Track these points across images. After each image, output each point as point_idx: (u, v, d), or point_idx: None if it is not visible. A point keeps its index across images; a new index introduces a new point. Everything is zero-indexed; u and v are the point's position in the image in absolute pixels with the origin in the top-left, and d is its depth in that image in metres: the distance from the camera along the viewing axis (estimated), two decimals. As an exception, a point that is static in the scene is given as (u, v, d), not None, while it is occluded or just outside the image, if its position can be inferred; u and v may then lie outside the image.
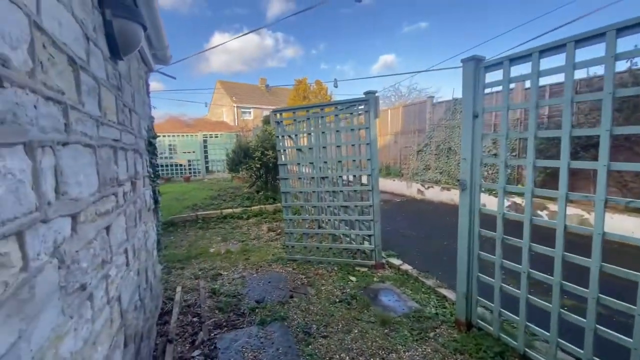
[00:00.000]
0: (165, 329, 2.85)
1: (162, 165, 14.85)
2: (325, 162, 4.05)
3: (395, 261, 4.08)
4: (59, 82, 0.92)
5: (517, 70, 2.17)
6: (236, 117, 33.71)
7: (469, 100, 2.42)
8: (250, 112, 34.83)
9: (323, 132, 3.97)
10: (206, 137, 15.64)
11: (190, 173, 15.20)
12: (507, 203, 6.39)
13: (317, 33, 67.81)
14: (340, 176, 3.98)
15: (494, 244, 2.33)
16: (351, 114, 3.87)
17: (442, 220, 6.50)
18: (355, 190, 3.98)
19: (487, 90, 2.45)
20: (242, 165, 7.28)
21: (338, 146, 3.95)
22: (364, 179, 4.08)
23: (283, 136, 4.16)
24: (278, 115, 4.09)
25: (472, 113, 2.40)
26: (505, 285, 2.30)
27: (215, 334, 2.77)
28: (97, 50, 1.38)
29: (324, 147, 3.99)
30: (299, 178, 4.24)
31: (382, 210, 7.45)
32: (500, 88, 2.24)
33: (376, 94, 3.77)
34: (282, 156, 4.17)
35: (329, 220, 4.13)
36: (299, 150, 4.20)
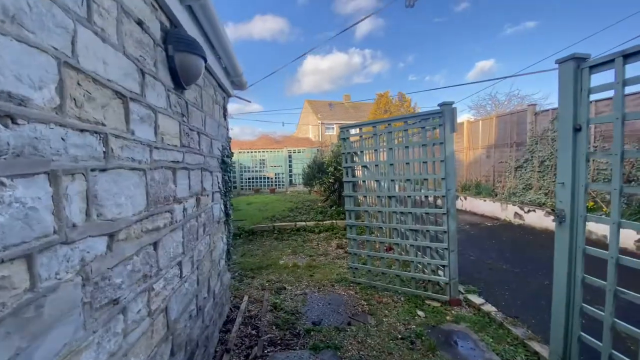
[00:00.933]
0: (227, 338, 2.99)
1: (253, 178, 16.47)
2: (393, 181, 3.78)
3: (476, 299, 3.47)
4: (97, 115, 1.03)
5: (633, 70, 1.61)
6: (320, 133, 35.30)
7: (568, 110, 1.91)
8: (333, 128, 36.04)
9: (390, 149, 3.73)
10: (290, 152, 16.70)
11: (275, 185, 16.40)
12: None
13: (406, 45, 66.54)
14: (408, 196, 3.64)
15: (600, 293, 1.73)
16: (423, 128, 3.53)
17: (544, 252, 5.32)
18: (427, 213, 3.58)
19: (592, 97, 1.89)
20: (316, 180, 7.44)
21: (407, 163, 3.64)
22: (438, 201, 3.65)
23: (349, 153, 4.07)
24: (345, 131, 4.03)
25: (573, 125, 1.88)
26: (617, 353, 1.67)
27: (268, 351, 2.78)
28: (157, 82, 1.55)
29: (391, 165, 3.74)
30: (364, 196, 4.04)
31: (468, 235, 6.62)
32: (610, 93, 1.69)
33: (453, 105, 3.36)
34: (348, 173, 4.06)
35: (397, 244, 3.80)
36: (365, 167, 4.03)
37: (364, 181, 4.08)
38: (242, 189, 16.14)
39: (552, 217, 6.46)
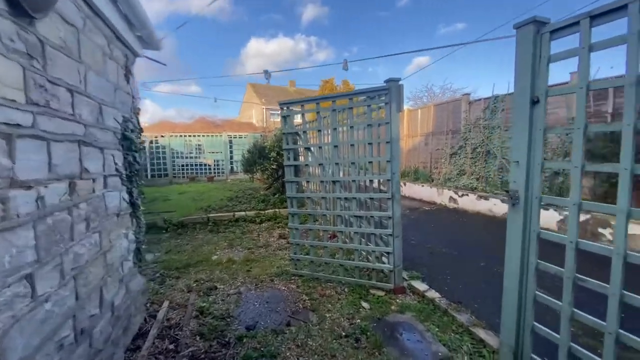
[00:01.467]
0: (134, 357, 2.40)
1: (188, 165, 15.04)
2: (337, 164, 3.46)
3: (420, 285, 3.38)
4: None
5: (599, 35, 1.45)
6: (264, 118, 34.02)
7: (525, 80, 1.72)
8: (278, 114, 34.94)
9: (334, 129, 3.38)
10: (231, 138, 15.61)
11: (215, 173, 15.23)
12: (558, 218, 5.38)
13: (351, 36, 67.20)
14: (353, 180, 3.36)
15: (554, 279, 1.61)
16: (369, 106, 3.24)
17: (479, 235, 5.61)
18: (371, 198, 3.35)
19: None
20: (257, 166, 6.86)
21: (352, 145, 3.33)
22: (383, 186, 3.44)
23: (291, 133, 3.63)
24: (285, 108, 3.57)
25: (530, 97, 1.70)
26: (576, 345, 1.58)
27: (188, 370, 2.28)
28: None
29: (335, 147, 3.40)
30: (307, 182, 3.66)
31: (409, 220, 6.73)
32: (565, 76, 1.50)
33: (400, 82, 3.12)
34: (290, 156, 3.63)
35: (341, 231, 3.52)
36: (308, 149, 3.64)
37: (307, 165, 3.69)
38: (175, 176, 14.67)
39: (483, 201, 6.90)
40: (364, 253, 3.62)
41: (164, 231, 6.02)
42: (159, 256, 4.66)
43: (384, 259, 3.47)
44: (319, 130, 3.52)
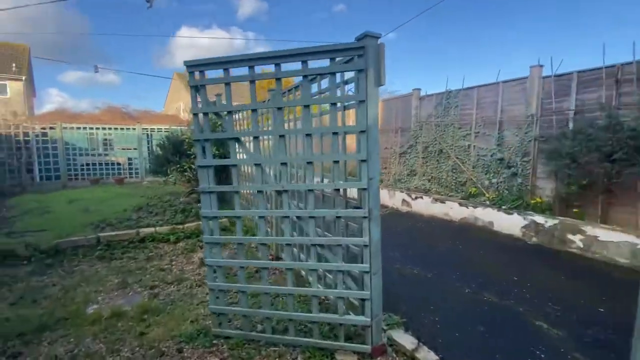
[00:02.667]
0: None
1: (93, 164, 12.12)
2: (284, 164, 2.24)
3: (405, 339, 2.36)
4: None
5: None
6: (195, 113, 30.69)
7: None
8: (210, 108, 31.95)
9: (279, 109, 2.16)
10: (148, 131, 13.06)
11: (128, 174, 12.58)
12: None
13: (289, 35, 65.73)
14: (309, 190, 2.18)
15: None
16: (333, 75, 2.10)
17: (445, 244, 4.93)
18: (337, 217, 2.21)
19: None
20: (170, 166, 5.19)
21: (307, 136, 2.15)
22: (353, 193, 2.35)
23: (205, 114, 2.30)
24: (197, 74, 2.21)
25: None
26: None
27: None
28: None
29: (281, 137, 2.18)
30: (236, 192, 2.36)
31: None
32: None
33: (380, 41, 2.04)
34: (205, 151, 2.30)
35: (291, 268, 2.31)
36: (236, 141, 2.34)
37: (234, 165, 2.37)
38: (74, 178, 11.68)
39: (438, 204, 6.36)
40: (326, 299, 2.48)
41: (25, 262, 4.04)
42: (-8, 313, 2.85)
43: (355, 306, 2.38)
44: (254, 111, 2.26)
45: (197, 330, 2.52)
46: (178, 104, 33.15)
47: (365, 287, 2.15)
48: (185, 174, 5.61)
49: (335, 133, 2.10)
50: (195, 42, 65.14)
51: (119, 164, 12.71)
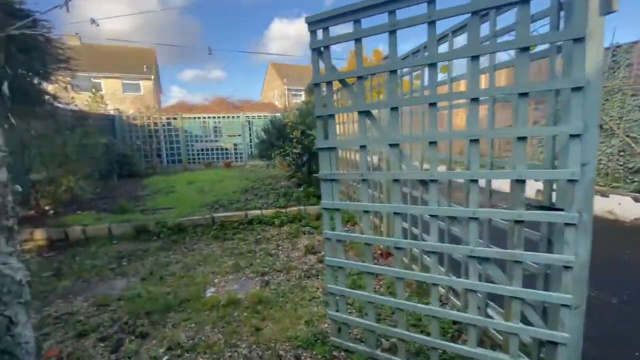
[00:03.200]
0: None
1: (206, 150, 13.70)
2: (433, 144, 1.65)
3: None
4: None
5: None
6: (286, 99, 32.26)
7: None
8: (302, 95, 33.06)
9: (432, 65, 1.56)
10: (249, 119, 14.01)
11: (234, 158, 13.82)
12: None
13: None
14: (472, 180, 1.54)
15: None
16: (523, 1, 1.37)
17: (621, 255, 3.61)
18: (518, 221, 1.53)
19: None
20: (274, 150, 5.15)
21: (473, 100, 1.50)
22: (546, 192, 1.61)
23: (329, 83, 1.86)
24: (320, 33, 1.77)
25: None
26: None
27: None
28: None
29: (432, 106, 1.58)
30: (363, 180, 1.88)
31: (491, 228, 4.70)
32: None
33: None
34: (328, 129, 1.87)
35: (436, 284, 1.76)
36: (366, 115, 1.84)
37: (363, 147, 1.89)
38: (192, 162, 13.38)
39: (599, 198, 4.81)
40: (496, 332, 1.85)
41: (155, 237, 4.54)
42: (132, 284, 3.15)
43: (528, 346, 1.69)
44: (392, 73, 1.71)
45: (313, 335, 2.22)
46: (272, 93, 35.36)
47: (559, 325, 1.44)
48: (287, 158, 5.52)
49: (524, 95, 1.39)
50: (286, 33, 68.02)
51: (226, 149, 14.02)
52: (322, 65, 1.85)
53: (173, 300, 2.77)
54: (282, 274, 3.26)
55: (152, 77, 27.21)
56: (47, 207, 5.40)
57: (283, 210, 5.17)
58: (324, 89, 1.91)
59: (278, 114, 13.29)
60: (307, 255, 3.74)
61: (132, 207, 5.70)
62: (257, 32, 76.85)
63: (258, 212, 5.13)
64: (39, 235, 4.47)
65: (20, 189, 1.35)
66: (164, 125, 12.82)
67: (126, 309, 2.67)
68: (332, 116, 1.84)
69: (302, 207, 5.28)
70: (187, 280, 3.19)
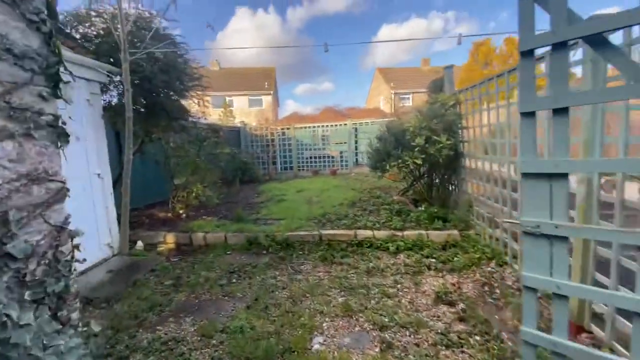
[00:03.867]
0: None
1: (314, 157, 14.00)
2: None
3: None
4: None
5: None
6: (393, 104, 30.99)
7: None
8: (409, 98, 31.21)
9: None
10: (356, 126, 13.62)
11: (339, 165, 13.66)
12: None
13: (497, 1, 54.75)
14: None
15: None
16: None
17: None
18: None
19: None
20: (391, 161, 4.34)
21: None
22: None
23: (561, 47, 0.96)
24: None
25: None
26: None
27: None
28: None
29: None
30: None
31: None
32: None
33: None
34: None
35: None
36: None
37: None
38: (301, 169, 13.83)
39: None
40: None
41: (264, 251, 4.37)
42: (237, 311, 2.87)
43: None
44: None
45: None
46: (378, 99, 34.62)
47: None
48: (404, 169, 4.65)
49: None
50: (394, 36, 66.53)
51: (332, 156, 13.98)
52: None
53: (275, 346, 2.30)
54: (407, 333, 2.43)
55: (272, 92, 30.28)
56: (181, 211, 6.02)
57: (399, 234, 4.31)
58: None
59: (389, 119, 12.45)
60: (439, 305, 2.80)
61: (247, 215, 5.83)
62: (366, 40, 77.62)
63: (369, 232, 4.42)
64: (170, 238, 4.88)
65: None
66: (279, 135, 13.66)
67: (226, 348, 2.34)
68: (564, 111, 0.95)
69: (422, 232, 4.31)
70: (292, 317, 2.71)
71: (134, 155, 6.07)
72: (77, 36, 4.29)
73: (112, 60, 4.20)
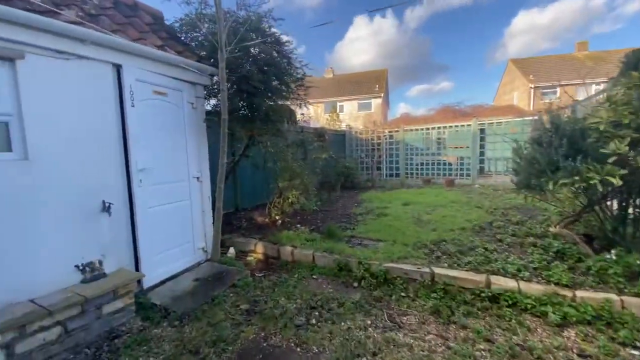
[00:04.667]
0: None
1: (425, 164, 12.31)
2: None
3: None
4: None
5: None
6: (532, 101, 25.28)
7: None
8: (556, 92, 24.85)
9: None
10: (483, 126, 11.21)
11: (457, 174, 11.55)
12: None
13: None
14: None
15: None
16: None
17: None
18: None
19: None
20: (559, 176, 2.69)
21: None
22: None
23: None
24: None
25: None
26: None
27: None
28: None
29: None
30: None
31: None
32: None
33: None
34: None
35: None
36: None
37: None
38: (409, 176, 12.34)
39: None
40: None
41: (355, 284, 3.48)
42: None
43: None
44: None
45: None
46: (511, 95, 29.03)
47: None
48: (578, 189, 2.95)
49: None
50: (534, 24, 55.68)
51: (449, 163, 11.96)
52: None
53: None
54: None
55: (382, 94, 29.22)
56: (277, 217, 5.73)
57: (566, 293, 2.71)
58: None
59: (529, 118, 9.74)
60: None
61: (341, 229, 5.06)
62: (496, 32, 67.45)
63: (511, 282, 2.96)
64: (260, 248, 4.54)
65: None
66: (386, 138, 12.56)
67: None
68: None
69: (613, 297, 2.59)
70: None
71: (239, 158, 6.20)
72: (186, 40, 4.38)
73: (212, 60, 4.09)
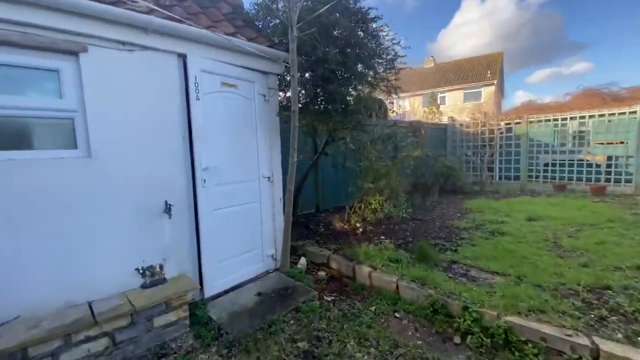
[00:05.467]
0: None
1: (556, 164, 9.55)
2: None
3: None
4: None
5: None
6: None
7: None
8: None
9: None
10: (659, 113, 7.92)
11: (607, 179, 8.52)
12: None
13: None
14: None
15: None
16: None
17: None
18: None
19: None
20: None
21: None
22: None
23: None
24: None
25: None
26: None
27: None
28: None
29: None
30: None
31: None
32: None
33: None
34: None
35: None
36: None
37: None
38: (532, 179, 9.78)
39: None
40: None
41: (458, 341, 2.44)
42: None
43: None
44: None
45: None
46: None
47: None
48: None
49: None
50: None
51: (597, 165, 8.95)
52: None
53: None
54: None
55: (495, 81, 24.97)
56: (357, 225, 4.97)
57: None
58: None
59: None
60: None
61: (438, 250, 3.95)
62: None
63: None
64: (333, 263, 3.87)
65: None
66: (501, 132, 10.26)
67: None
68: None
69: None
70: None
71: (319, 155, 5.66)
72: (263, 26, 3.99)
73: (285, 42, 3.57)
